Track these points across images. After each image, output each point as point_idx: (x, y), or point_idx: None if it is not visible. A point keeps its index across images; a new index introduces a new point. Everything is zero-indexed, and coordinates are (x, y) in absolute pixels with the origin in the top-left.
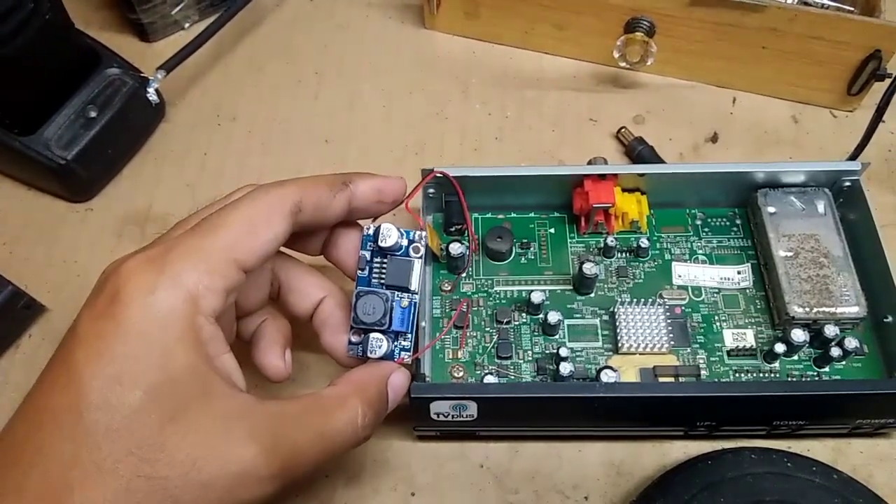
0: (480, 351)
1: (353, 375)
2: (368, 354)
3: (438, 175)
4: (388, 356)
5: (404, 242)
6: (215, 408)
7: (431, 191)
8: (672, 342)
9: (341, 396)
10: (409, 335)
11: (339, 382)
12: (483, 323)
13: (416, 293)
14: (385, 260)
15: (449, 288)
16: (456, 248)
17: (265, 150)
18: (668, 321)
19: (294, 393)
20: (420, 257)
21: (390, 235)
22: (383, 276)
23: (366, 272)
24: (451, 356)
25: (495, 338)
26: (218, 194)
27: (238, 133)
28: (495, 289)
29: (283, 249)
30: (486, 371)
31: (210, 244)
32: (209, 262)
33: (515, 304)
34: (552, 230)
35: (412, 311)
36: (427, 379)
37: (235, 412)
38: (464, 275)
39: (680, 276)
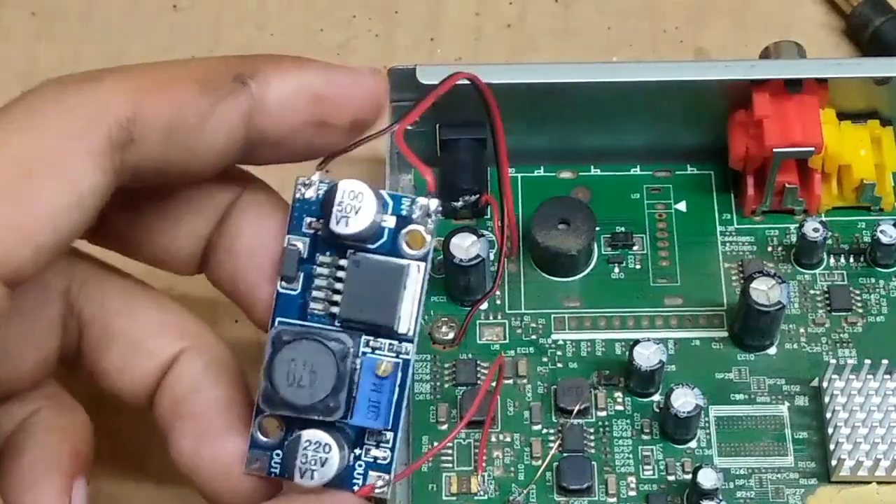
0: (521, 477)
1: None
2: (297, 479)
3: (464, 82)
4: (340, 479)
5: (389, 222)
6: None
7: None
8: None
9: None
10: (390, 433)
11: None
12: (527, 415)
13: (411, 341)
14: (343, 261)
15: (451, 336)
16: (467, 247)
17: (38, 25)
18: None
19: None
20: (423, 258)
21: (359, 209)
22: (337, 298)
23: (296, 286)
24: (454, 489)
25: (554, 448)
26: None
27: None
28: (554, 337)
29: (75, 249)
30: None
31: None
32: None
33: (600, 374)
34: (680, 206)
35: (398, 384)
36: None
37: None
38: (484, 305)
39: None
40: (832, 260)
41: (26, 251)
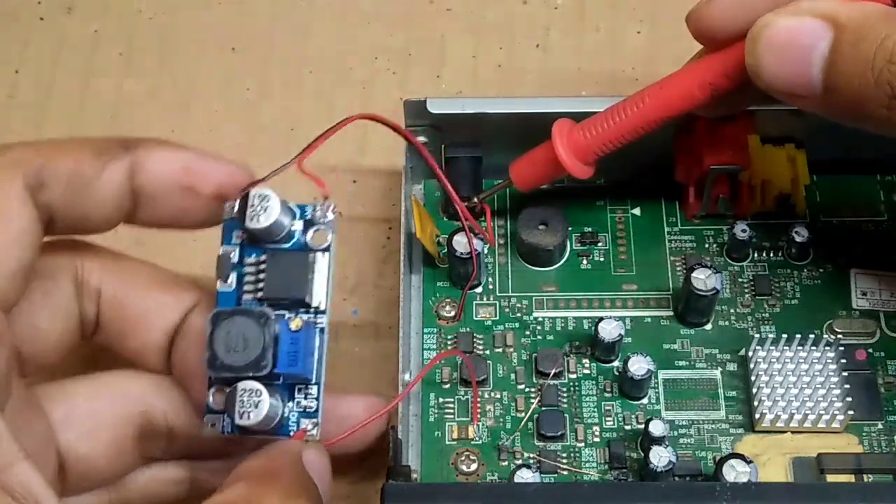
0: (508, 426)
1: (246, 465)
2: (237, 420)
3: (464, 112)
4: (273, 426)
5: (296, 225)
6: None
7: (422, 140)
8: (851, 412)
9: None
10: (314, 385)
11: (224, 486)
12: (513, 376)
13: (324, 311)
14: (264, 258)
15: (452, 314)
16: (464, 243)
17: (126, 63)
18: (845, 375)
19: None
20: (326, 249)
21: (266, 208)
22: (261, 285)
23: (232, 284)
24: (455, 435)
25: (534, 403)
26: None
27: (77, 34)
28: (535, 315)
29: (83, 243)
30: (519, 462)
31: None
32: None
33: (571, 345)
34: (636, 211)
35: (314, 342)
36: (414, 477)
37: None
38: (478, 289)
39: (865, 295)
40: (756, 255)
41: None
